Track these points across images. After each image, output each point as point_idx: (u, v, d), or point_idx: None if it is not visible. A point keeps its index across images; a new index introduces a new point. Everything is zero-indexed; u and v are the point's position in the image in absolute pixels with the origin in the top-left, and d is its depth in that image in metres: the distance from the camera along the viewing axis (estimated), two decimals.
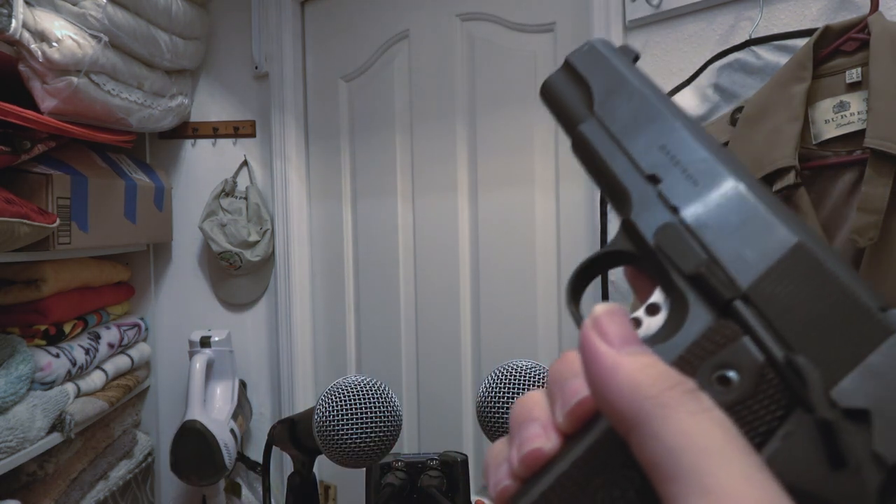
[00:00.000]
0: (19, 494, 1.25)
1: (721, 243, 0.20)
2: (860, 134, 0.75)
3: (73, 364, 1.32)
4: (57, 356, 1.29)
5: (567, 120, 0.27)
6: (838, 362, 0.17)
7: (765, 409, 0.17)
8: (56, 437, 1.26)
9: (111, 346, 1.50)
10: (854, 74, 0.78)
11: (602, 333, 0.17)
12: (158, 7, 1.41)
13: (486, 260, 1.41)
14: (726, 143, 0.87)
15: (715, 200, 0.21)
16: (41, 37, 1.13)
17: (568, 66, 0.27)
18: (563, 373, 0.19)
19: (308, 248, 1.73)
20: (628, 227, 0.23)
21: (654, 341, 0.19)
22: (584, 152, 0.25)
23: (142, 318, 1.70)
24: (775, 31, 0.98)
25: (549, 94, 0.28)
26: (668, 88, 1.08)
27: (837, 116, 0.79)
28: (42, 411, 1.21)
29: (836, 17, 0.94)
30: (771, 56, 0.94)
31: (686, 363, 0.18)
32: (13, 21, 1.07)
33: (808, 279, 0.18)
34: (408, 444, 1.55)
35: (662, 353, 0.18)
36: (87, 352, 1.39)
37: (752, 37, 0.97)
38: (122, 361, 1.56)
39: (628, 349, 0.17)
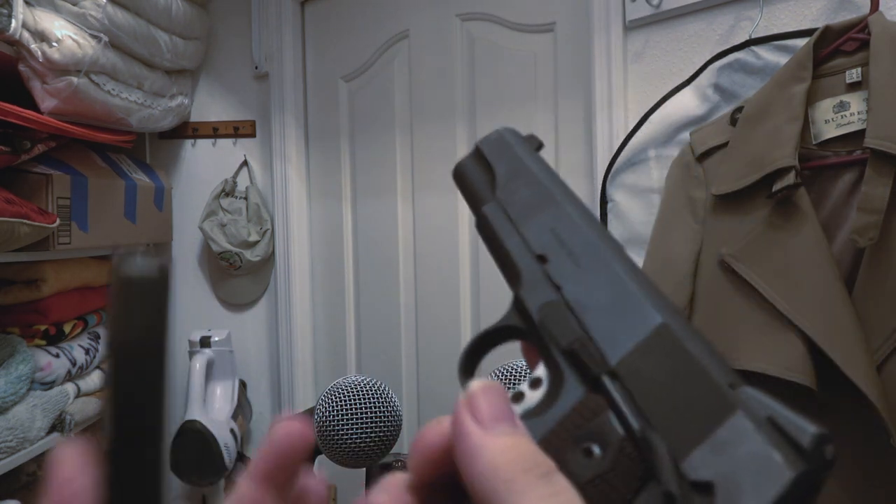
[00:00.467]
0: (19, 494, 1.25)
1: (596, 321, 0.22)
2: (860, 134, 0.75)
3: (73, 364, 1.32)
4: (57, 356, 1.29)
5: (473, 201, 0.29)
6: (690, 436, 0.18)
7: (622, 481, 0.18)
8: (56, 438, 1.26)
9: None
10: (854, 74, 0.78)
11: (474, 411, 0.18)
12: (158, 7, 1.41)
13: (485, 260, 1.41)
14: (726, 143, 0.87)
15: (594, 281, 0.23)
16: (41, 37, 1.13)
17: (477, 152, 0.29)
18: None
19: (308, 248, 1.73)
20: (518, 303, 0.24)
21: (531, 414, 0.21)
22: (486, 231, 0.27)
23: None
24: (775, 31, 0.98)
25: (459, 177, 0.30)
26: (668, 88, 1.08)
27: (837, 116, 0.79)
28: (42, 411, 1.21)
29: (836, 17, 0.94)
30: (771, 56, 0.94)
31: (557, 436, 0.20)
32: (13, 21, 1.07)
33: (667, 358, 0.20)
34: (408, 444, 1.55)
35: (536, 427, 0.20)
36: (87, 352, 1.38)
37: (752, 37, 0.97)
38: None
39: (497, 428, 0.18)
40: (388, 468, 0.62)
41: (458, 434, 0.18)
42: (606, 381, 0.20)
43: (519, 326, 0.24)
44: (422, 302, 1.52)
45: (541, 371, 0.23)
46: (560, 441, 0.19)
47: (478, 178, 0.29)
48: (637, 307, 0.21)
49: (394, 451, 0.59)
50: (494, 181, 0.28)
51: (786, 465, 0.17)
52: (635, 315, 0.21)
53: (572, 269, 0.23)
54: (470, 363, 0.25)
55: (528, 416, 0.20)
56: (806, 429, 0.17)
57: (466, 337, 1.45)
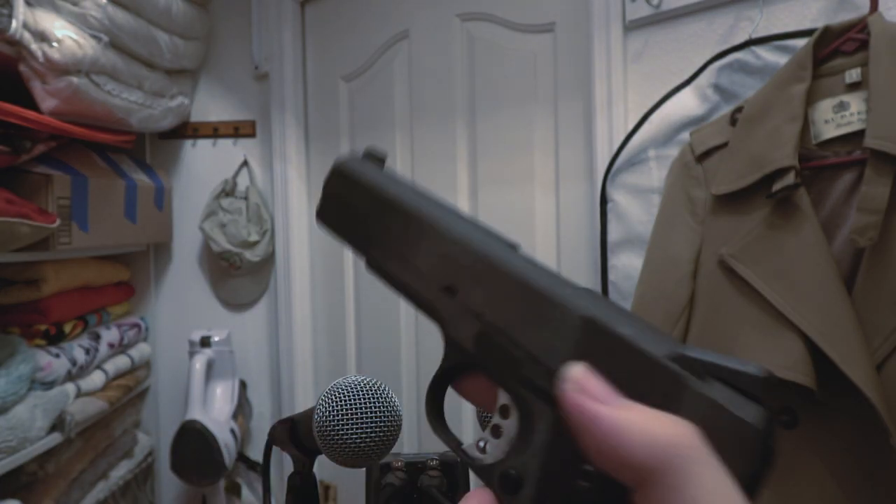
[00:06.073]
0: (19, 494, 1.25)
1: (526, 336, 0.22)
2: (860, 134, 0.75)
3: (74, 364, 1.32)
4: (57, 356, 1.29)
5: (356, 245, 0.27)
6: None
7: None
8: (56, 437, 1.26)
9: (111, 346, 1.50)
10: (854, 75, 0.78)
11: (590, 394, 0.18)
12: (158, 7, 1.41)
13: None
14: (726, 143, 0.87)
15: (503, 295, 0.22)
16: (41, 37, 1.13)
17: (328, 196, 0.28)
18: None
19: (308, 248, 1.73)
20: (450, 342, 0.24)
21: (520, 448, 0.21)
22: (381, 273, 0.26)
23: (142, 318, 1.70)
24: (775, 31, 0.98)
25: (327, 225, 0.28)
26: (668, 88, 1.08)
27: (837, 117, 0.79)
28: (42, 411, 1.21)
29: (835, 17, 0.94)
30: (771, 56, 0.94)
31: (557, 460, 0.20)
32: (13, 21, 1.07)
33: (604, 349, 0.20)
34: (408, 444, 1.55)
35: (533, 462, 0.20)
36: (87, 352, 1.39)
37: (752, 37, 0.97)
38: (122, 361, 1.56)
39: (618, 401, 0.18)
40: (388, 468, 0.62)
41: (588, 418, 0.18)
42: None
43: (464, 362, 0.24)
44: None
45: (503, 398, 0.23)
46: (563, 464, 0.20)
47: (346, 221, 0.27)
48: (556, 310, 0.21)
49: (394, 450, 0.59)
50: (362, 221, 0.26)
51: (753, 422, 0.17)
52: (559, 319, 0.21)
53: (481, 292, 0.23)
54: (434, 408, 0.26)
55: (518, 450, 0.21)
56: (751, 373, 0.18)
57: None
